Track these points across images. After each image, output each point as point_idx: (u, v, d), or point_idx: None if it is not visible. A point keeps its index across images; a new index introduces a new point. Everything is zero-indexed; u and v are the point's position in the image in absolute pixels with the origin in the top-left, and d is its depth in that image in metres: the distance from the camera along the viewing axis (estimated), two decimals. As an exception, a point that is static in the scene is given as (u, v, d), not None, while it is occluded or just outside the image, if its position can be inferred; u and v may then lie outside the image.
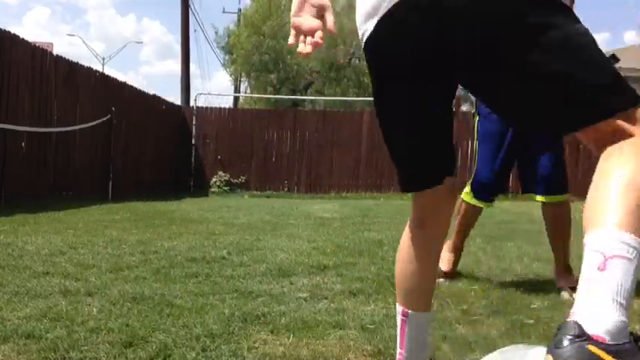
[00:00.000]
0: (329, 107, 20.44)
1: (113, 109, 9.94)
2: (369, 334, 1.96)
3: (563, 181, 2.74)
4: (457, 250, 3.01)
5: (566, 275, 2.74)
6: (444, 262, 2.94)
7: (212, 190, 12.50)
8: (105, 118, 9.64)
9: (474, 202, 2.90)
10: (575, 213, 8.15)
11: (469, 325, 2.10)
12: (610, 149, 1.01)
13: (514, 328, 2.05)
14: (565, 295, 2.62)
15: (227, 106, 16.30)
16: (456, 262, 3.01)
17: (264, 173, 13.07)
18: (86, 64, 9.57)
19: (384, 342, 1.88)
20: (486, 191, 2.86)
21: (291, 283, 2.81)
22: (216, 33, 29.25)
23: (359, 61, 31.89)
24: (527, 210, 8.63)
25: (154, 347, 1.78)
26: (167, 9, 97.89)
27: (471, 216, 2.97)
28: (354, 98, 27.17)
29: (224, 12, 43.93)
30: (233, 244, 4.09)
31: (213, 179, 12.65)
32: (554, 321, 2.14)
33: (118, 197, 9.57)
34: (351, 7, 29.39)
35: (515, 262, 3.51)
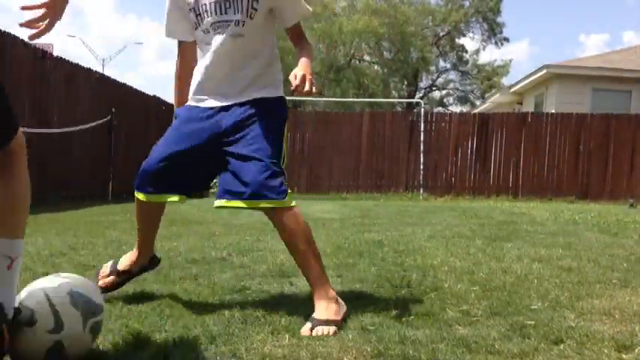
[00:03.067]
0: (329, 108, 20.46)
1: (113, 109, 9.95)
2: (368, 335, 1.96)
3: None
4: (139, 248, 2.52)
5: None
6: (125, 259, 2.54)
7: (212, 190, 12.46)
8: (105, 119, 9.65)
9: (137, 195, 2.37)
10: (576, 214, 8.07)
11: (469, 326, 2.10)
12: None
13: (514, 329, 2.04)
14: None
15: (227, 107, 16.25)
16: (135, 262, 2.53)
17: (264, 174, 13.06)
18: (86, 64, 9.60)
19: (383, 343, 1.88)
20: (146, 182, 2.33)
21: (291, 284, 2.81)
22: (216, 33, 29.33)
23: (359, 62, 31.95)
24: (527, 211, 8.63)
25: (154, 348, 1.78)
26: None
27: (142, 212, 2.43)
28: (354, 99, 27.19)
29: (224, 13, 44.01)
30: (233, 245, 4.09)
31: (214, 180, 12.66)
32: (555, 322, 2.14)
33: (118, 198, 9.58)
34: (351, 8, 29.45)
35: (515, 262, 3.51)
